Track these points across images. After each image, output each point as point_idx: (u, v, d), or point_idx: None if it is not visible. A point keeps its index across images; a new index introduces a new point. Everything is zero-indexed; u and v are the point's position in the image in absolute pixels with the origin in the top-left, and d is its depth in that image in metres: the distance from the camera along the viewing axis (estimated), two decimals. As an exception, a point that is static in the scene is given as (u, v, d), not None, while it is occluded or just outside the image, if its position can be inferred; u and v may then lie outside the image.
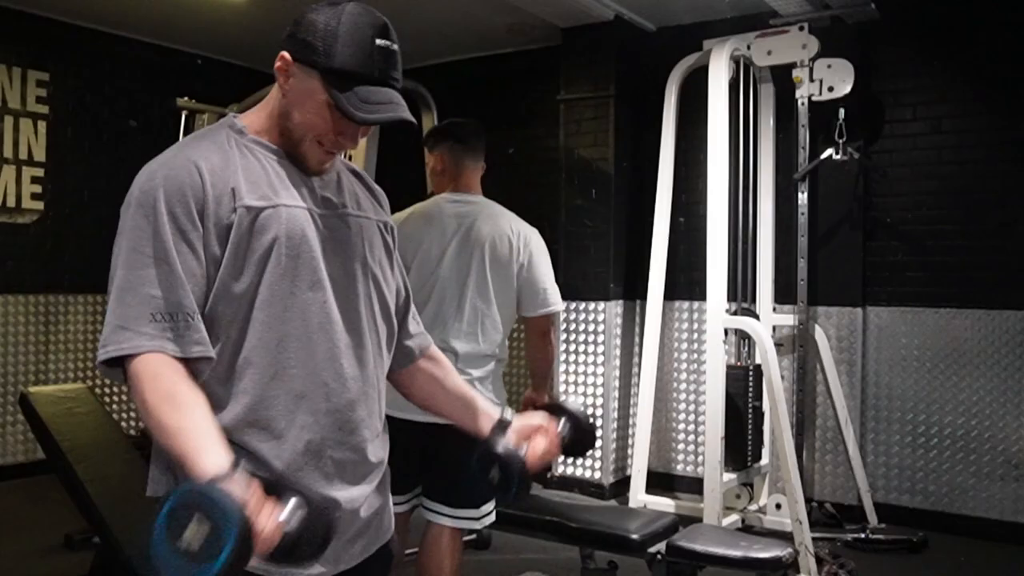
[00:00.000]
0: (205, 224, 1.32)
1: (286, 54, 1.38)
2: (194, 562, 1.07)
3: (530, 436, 1.56)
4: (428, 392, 1.66)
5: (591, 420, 1.63)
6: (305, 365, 1.38)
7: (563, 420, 1.58)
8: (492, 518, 2.74)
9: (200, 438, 1.22)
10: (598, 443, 5.25)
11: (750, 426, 4.55)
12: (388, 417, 1.57)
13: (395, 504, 1.67)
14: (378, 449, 1.51)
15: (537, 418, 1.60)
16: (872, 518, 4.52)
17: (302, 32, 1.37)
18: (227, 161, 1.37)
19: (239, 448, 1.34)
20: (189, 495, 1.11)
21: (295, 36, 1.38)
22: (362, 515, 1.46)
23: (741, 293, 4.79)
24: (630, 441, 5.29)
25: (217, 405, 1.34)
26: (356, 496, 1.45)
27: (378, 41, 1.36)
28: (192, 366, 1.29)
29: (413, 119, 1.40)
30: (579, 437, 1.60)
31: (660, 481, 5.22)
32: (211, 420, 1.25)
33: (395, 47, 1.39)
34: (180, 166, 1.34)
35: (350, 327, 1.44)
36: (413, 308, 1.66)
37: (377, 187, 1.63)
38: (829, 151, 4.58)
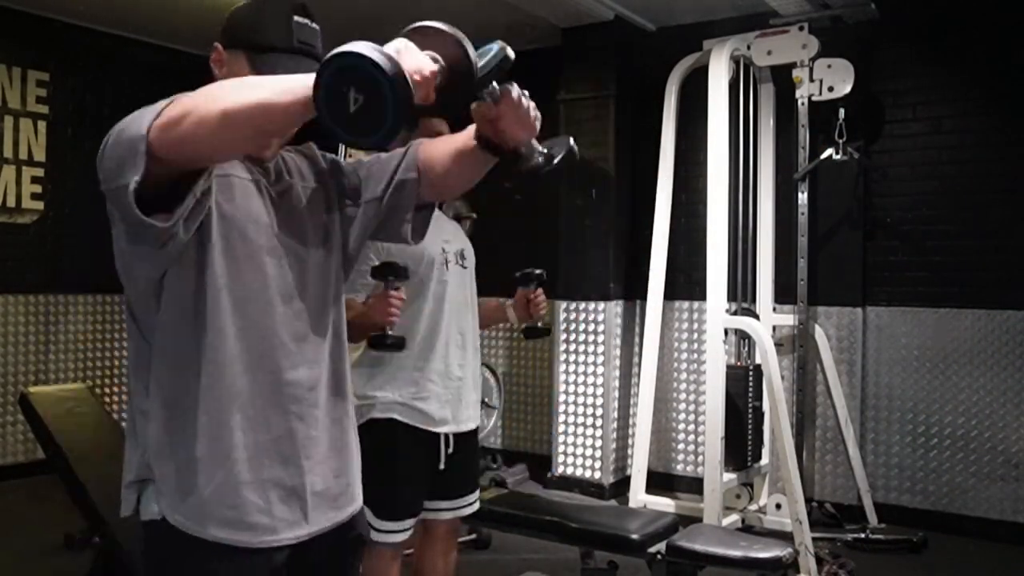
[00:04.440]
0: None
1: (218, 45, 1.49)
2: (366, 121, 1.11)
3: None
4: (443, 160, 1.63)
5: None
6: (263, 338, 1.43)
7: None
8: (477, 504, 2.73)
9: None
10: (598, 443, 5.25)
11: (750, 426, 4.55)
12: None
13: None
14: (342, 417, 1.55)
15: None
16: (872, 518, 4.52)
17: (229, 23, 1.50)
18: None
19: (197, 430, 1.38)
20: (334, 69, 1.11)
21: (225, 29, 1.50)
22: (333, 478, 1.51)
23: (741, 293, 4.79)
24: (630, 441, 5.28)
25: (177, 398, 1.38)
26: (321, 466, 1.49)
27: (296, 18, 1.47)
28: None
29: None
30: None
31: (660, 481, 5.22)
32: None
33: (314, 25, 1.50)
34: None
35: (305, 299, 1.49)
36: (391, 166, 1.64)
37: (309, 148, 1.64)
38: (829, 151, 4.58)
